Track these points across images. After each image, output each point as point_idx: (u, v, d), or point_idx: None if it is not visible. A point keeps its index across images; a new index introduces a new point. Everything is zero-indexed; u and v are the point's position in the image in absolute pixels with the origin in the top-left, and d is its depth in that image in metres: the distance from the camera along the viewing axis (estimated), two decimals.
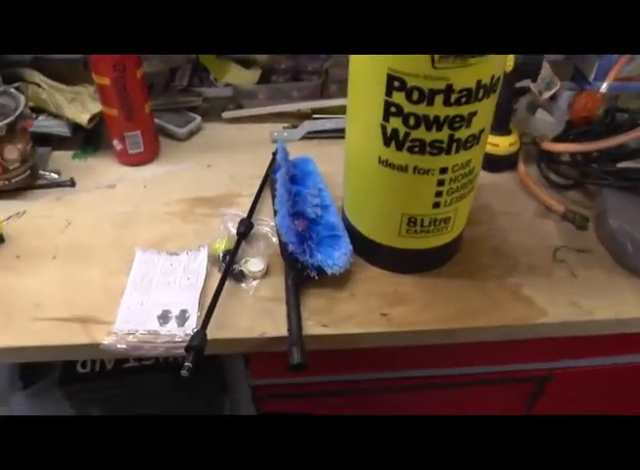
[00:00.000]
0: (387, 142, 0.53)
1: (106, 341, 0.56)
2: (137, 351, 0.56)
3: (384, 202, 0.59)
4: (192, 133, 0.85)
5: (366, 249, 0.64)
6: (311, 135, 0.86)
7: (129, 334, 0.57)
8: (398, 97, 0.50)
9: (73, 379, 0.70)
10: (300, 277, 0.60)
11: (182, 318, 0.58)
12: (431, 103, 0.49)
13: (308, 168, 0.74)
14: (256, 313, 0.59)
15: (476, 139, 0.54)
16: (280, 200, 0.62)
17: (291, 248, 0.58)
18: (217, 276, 0.61)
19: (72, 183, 0.75)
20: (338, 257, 0.61)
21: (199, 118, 0.86)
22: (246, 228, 0.66)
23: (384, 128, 0.53)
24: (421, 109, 0.50)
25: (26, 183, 0.73)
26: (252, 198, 0.72)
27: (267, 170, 0.76)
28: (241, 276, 0.62)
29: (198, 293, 0.60)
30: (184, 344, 0.54)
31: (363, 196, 0.61)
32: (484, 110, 0.52)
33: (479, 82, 0.49)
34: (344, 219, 0.66)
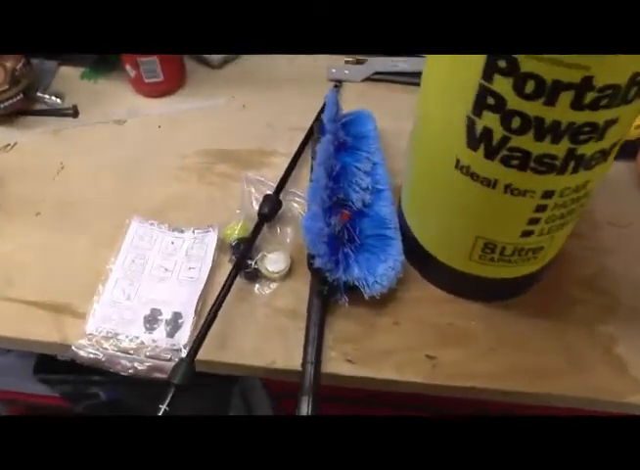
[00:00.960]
0: (472, 143, 0.37)
1: (76, 346, 0.45)
2: (113, 365, 0.45)
3: (454, 217, 0.43)
4: (228, 60, 0.69)
5: (422, 261, 0.49)
6: (379, 76, 0.67)
7: (107, 337, 0.46)
8: (502, 85, 0.32)
9: (51, 367, 0.60)
10: (327, 300, 0.47)
11: (174, 325, 0.46)
12: (551, 102, 0.32)
13: (365, 130, 0.56)
14: (268, 331, 0.46)
15: (604, 155, 0.36)
16: (314, 187, 0.47)
17: (318, 263, 0.44)
18: (226, 268, 0.48)
19: (75, 112, 0.61)
20: (382, 272, 0.46)
21: None
22: (270, 209, 0.51)
23: (471, 123, 0.36)
24: (534, 108, 0.32)
25: (18, 108, 0.60)
26: (289, 161, 0.56)
27: (312, 124, 0.60)
28: (255, 275, 0.49)
29: (197, 293, 0.48)
30: (171, 364, 0.43)
31: (427, 202, 0.45)
32: (629, 116, 0.34)
33: (634, 76, 0.31)
34: (400, 214, 0.50)
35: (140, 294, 0.48)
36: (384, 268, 0.46)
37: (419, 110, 0.42)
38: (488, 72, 0.33)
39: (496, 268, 0.45)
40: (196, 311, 0.47)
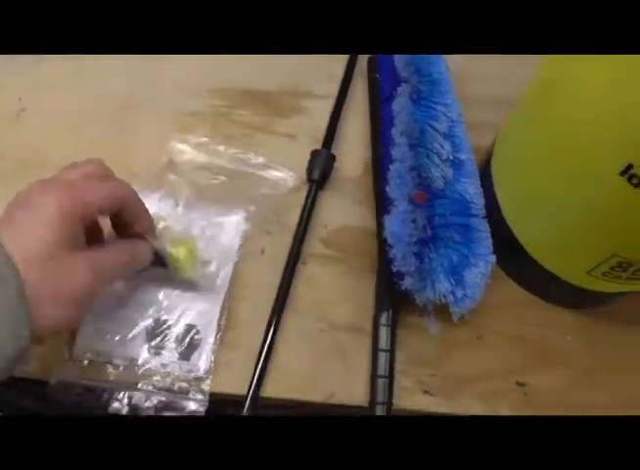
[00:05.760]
0: None
1: (53, 380, 0.33)
2: (99, 402, 0.34)
3: (591, 229, 0.31)
4: None
5: (514, 260, 0.38)
6: None
7: (95, 365, 0.34)
8: None
9: None
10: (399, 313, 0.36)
11: (189, 343, 0.35)
12: None
13: (435, 72, 0.42)
14: (325, 351, 0.36)
15: None
16: (398, 171, 0.34)
17: (408, 283, 0.32)
18: (257, 264, 0.37)
19: None
20: (473, 281, 0.35)
21: None
22: (323, 171, 0.39)
23: None
24: None
25: None
26: (331, 107, 0.43)
27: (369, 59, 0.45)
28: None
29: (218, 299, 0.36)
30: (187, 400, 0.33)
31: (551, 201, 0.33)
32: None
33: None
34: (488, 198, 0.38)
35: (138, 298, 0.36)
36: (474, 276, 0.35)
37: (557, 74, 0.29)
38: None
39: (615, 285, 0.35)
40: (219, 326, 0.36)
